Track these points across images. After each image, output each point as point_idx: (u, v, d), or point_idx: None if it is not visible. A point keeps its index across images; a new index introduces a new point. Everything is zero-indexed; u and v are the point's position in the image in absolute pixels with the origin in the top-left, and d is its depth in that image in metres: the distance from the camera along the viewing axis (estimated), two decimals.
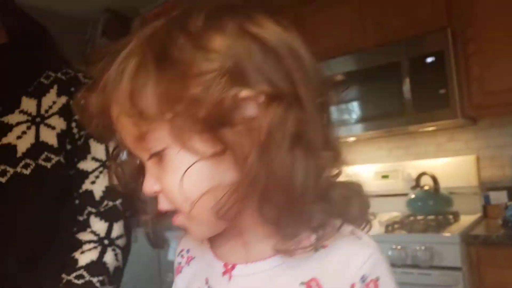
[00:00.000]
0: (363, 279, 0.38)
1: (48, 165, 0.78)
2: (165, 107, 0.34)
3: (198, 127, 0.34)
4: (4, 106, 0.79)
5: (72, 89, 0.84)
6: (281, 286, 0.39)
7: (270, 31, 0.36)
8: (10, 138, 0.79)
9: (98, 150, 0.83)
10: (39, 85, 0.82)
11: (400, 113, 1.81)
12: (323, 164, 0.37)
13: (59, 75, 0.83)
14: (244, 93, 0.34)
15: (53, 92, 0.83)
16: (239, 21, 0.36)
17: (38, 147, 0.78)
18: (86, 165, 0.81)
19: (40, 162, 0.78)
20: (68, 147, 0.81)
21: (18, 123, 0.79)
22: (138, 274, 2.43)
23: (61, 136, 0.80)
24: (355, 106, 1.94)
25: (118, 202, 0.81)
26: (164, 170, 0.37)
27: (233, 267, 0.41)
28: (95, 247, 0.77)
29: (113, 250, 0.79)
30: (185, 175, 0.35)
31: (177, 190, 0.36)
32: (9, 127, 0.79)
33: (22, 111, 0.80)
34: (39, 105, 0.82)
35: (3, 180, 0.76)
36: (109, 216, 0.80)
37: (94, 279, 0.74)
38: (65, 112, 0.82)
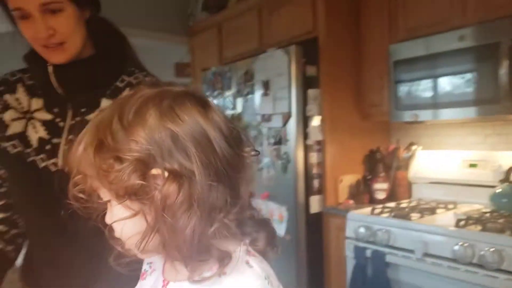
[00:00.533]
0: None
1: None
2: (102, 177, 0.48)
3: (121, 195, 0.48)
4: (88, 107, 0.97)
5: None
6: None
7: (183, 124, 0.47)
8: None
9: None
10: (115, 89, 0.98)
11: (495, 99, 1.65)
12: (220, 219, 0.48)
13: (131, 79, 0.98)
14: (154, 171, 0.47)
15: (124, 94, 0.99)
16: (159, 116, 0.47)
17: None
18: None
19: None
20: None
21: None
22: None
23: None
24: (444, 88, 1.82)
25: None
26: (110, 214, 0.51)
27: (167, 283, 0.54)
28: None
29: None
30: (118, 223, 0.49)
31: (116, 229, 0.51)
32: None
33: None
34: None
35: None
36: None
37: None
38: None
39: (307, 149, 2.14)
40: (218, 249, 0.49)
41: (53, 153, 0.92)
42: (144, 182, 0.46)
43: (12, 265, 0.97)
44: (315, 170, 2.18)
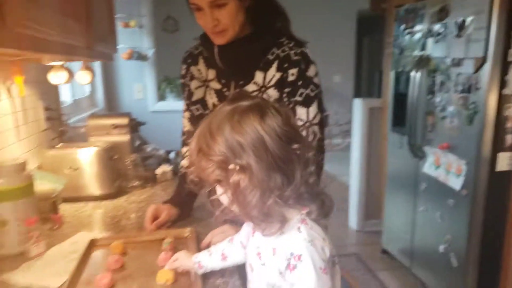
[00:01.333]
0: (291, 254, 0.69)
1: None
2: (203, 172, 0.71)
3: (213, 182, 0.73)
4: (245, 79, 1.14)
5: (286, 65, 1.10)
6: (265, 247, 0.75)
7: (246, 134, 0.67)
8: None
9: (301, 113, 1.11)
10: (266, 61, 1.11)
11: None
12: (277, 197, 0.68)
13: (279, 52, 1.10)
14: (231, 166, 0.69)
15: (274, 67, 1.11)
16: (231, 129, 0.68)
17: None
18: None
19: None
20: None
21: (252, 91, 1.13)
22: (396, 178, 2.70)
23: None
24: None
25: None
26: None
27: (254, 232, 0.80)
28: (302, 131, 1.08)
29: (312, 129, 1.09)
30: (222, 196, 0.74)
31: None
32: None
33: (255, 82, 1.13)
34: (264, 78, 1.12)
35: None
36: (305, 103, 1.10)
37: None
38: (278, 85, 1.11)
39: (502, 99, 1.88)
40: (279, 215, 0.70)
41: None
42: (224, 174, 0.69)
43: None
44: (510, 124, 1.91)
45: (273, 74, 1.11)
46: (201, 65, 1.20)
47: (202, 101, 1.20)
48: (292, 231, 0.71)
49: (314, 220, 0.73)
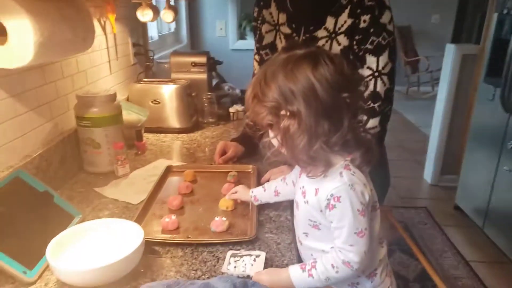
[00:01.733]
0: (331, 195, 0.74)
1: None
2: (257, 117, 0.76)
3: (266, 126, 0.78)
4: (316, 24, 1.11)
5: (358, 11, 1.05)
6: (309, 187, 0.80)
7: (298, 82, 0.70)
8: None
9: (371, 62, 1.07)
10: (339, 6, 1.08)
11: None
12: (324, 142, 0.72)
13: None
14: (282, 112, 0.73)
15: (346, 13, 1.07)
16: (285, 77, 0.71)
17: None
18: (362, 72, 1.09)
19: None
20: (351, 57, 1.09)
21: (322, 37, 1.12)
22: (481, 133, 2.52)
23: (343, 51, 1.09)
24: None
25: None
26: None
27: (301, 174, 0.84)
28: (370, 80, 1.08)
29: (381, 79, 1.08)
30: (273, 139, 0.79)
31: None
32: (317, 40, 1.13)
33: (325, 28, 1.11)
34: (335, 23, 1.09)
35: None
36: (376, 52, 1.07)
37: (375, 105, 1.09)
38: (349, 32, 1.07)
39: None
40: (324, 160, 0.75)
41: None
42: (276, 119, 0.74)
43: None
44: None
45: (344, 20, 1.08)
46: (273, 8, 1.21)
47: (272, 45, 1.22)
48: (335, 175, 0.75)
49: (357, 166, 0.77)
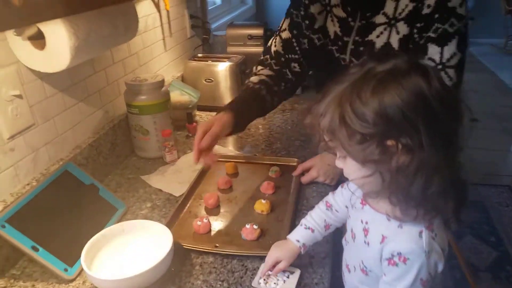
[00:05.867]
0: (399, 253, 0.60)
1: None
2: (344, 145, 0.59)
3: (360, 160, 0.58)
4: (374, 8, 0.96)
5: None
6: (374, 229, 0.66)
7: (410, 101, 0.52)
8: (373, 35, 0.98)
9: (434, 52, 0.91)
10: None
11: None
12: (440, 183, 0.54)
13: None
14: (389, 142, 0.55)
15: None
16: (392, 95, 0.53)
17: (387, 47, 0.96)
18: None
19: None
20: (410, 46, 0.93)
21: (379, 24, 0.96)
22: None
23: (402, 40, 0.93)
24: None
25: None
26: (347, 168, 0.64)
27: (365, 204, 0.69)
28: None
29: (446, 73, 0.92)
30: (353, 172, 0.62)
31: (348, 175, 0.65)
32: (374, 27, 0.97)
33: (384, 13, 0.95)
34: (396, 8, 0.93)
35: None
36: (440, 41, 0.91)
37: None
38: (410, 18, 0.91)
39: None
40: (433, 205, 0.57)
41: (342, 49, 1.03)
42: (381, 155, 0.55)
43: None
44: None
45: (405, 4, 0.93)
46: None
47: (323, 28, 1.09)
48: (413, 231, 0.60)
49: (444, 224, 0.62)
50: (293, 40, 1.13)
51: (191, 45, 1.83)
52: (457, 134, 0.56)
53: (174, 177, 1.19)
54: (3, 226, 0.81)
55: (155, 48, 1.53)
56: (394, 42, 0.96)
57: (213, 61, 1.61)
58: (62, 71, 0.99)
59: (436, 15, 0.90)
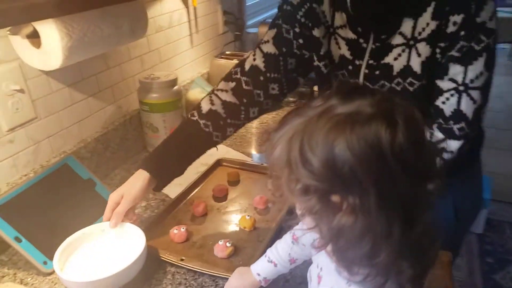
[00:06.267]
0: None
1: (411, 89, 0.85)
2: (287, 191, 0.51)
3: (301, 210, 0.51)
4: (389, 29, 0.83)
5: (447, 8, 0.75)
6: (327, 278, 0.57)
7: (365, 158, 0.42)
8: (390, 58, 0.86)
9: (456, 72, 0.80)
10: (419, 3, 0.79)
11: None
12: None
13: None
14: (334, 198, 0.46)
15: (429, 12, 0.78)
16: (345, 147, 0.43)
17: (406, 70, 0.84)
18: (443, 83, 0.82)
19: (406, 84, 0.85)
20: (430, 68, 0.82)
21: (397, 45, 0.84)
22: None
23: (425, 63, 0.82)
24: None
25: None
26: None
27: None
28: (452, 95, 0.81)
29: (468, 95, 0.81)
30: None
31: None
32: (390, 49, 0.85)
33: (401, 33, 0.83)
34: (414, 27, 0.81)
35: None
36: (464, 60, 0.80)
37: (455, 127, 0.82)
38: (432, 38, 0.79)
39: None
40: (384, 270, 0.48)
41: (354, 74, 0.91)
42: (323, 211, 0.47)
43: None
44: None
45: (427, 22, 0.80)
46: (326, 6, 0.91)
47: (329, 54, 0.94)
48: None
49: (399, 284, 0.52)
50: (280, 58, 0.95)
51: (223, 42, 1.80)
52: (422, 197, 0.46)
53: (176, 178, 1.18)
54: None
55: (181, 44, 1.53)
56: (416, 66, 0.84)
57: (239, 59, 1.58)
58: (70, 67, 1.02)
59: (462, 32, 0.78)
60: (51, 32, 0.84)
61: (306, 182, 0.45)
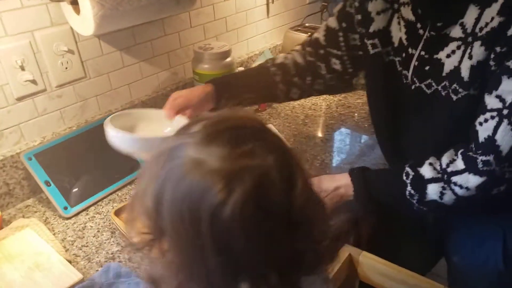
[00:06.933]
0: None
1: (454, 97, 0.69)
2: None
3: None
4: (448, 18, 0.67)
5: None
6: None
7: (178, 199, 0.38)
8: (444, 53, 0.70)
9: (507, 89, 0.61)
10: None
11: None
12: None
13: None
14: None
15: (498, 4, 0.60)
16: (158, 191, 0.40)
17: (455, 73, 0.69)
18: (489, 99, 0.64)
19: (450, 91, 0.70)
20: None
21: (453, 39, 0.68)
22: None
23: (474, 69, 0.65)
24: None
25: None
26: None
27: None
28: (492, 117, 0.64)
29: (510, 123, 0.62)
30: None
31: None
32: (446, 42, 0.69)
33: (461, 25, 0.67)
34: (477, 19, 0.64)
35: (428, 92, 0.75)
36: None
37: (480, 158, 0.65)
38: (490, 38, 0.62)
39: None
40: None
41: (405, 64, 0.78)
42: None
43: None
44: None
45: (491, 16, 0.63)
46: None
47: (385, 33, 0.81)
48: None
49: None
50: (340, 33, 0.90)
51: (305, 12, 1.69)
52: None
53: None
54: (30, 159, 1.00)
55: (254, 14, 1.48)
56: (464, 70, 0.68)
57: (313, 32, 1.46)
58: (122, 32, 1.08)
59: None
60: (85, 0, 0.90)
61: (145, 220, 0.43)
